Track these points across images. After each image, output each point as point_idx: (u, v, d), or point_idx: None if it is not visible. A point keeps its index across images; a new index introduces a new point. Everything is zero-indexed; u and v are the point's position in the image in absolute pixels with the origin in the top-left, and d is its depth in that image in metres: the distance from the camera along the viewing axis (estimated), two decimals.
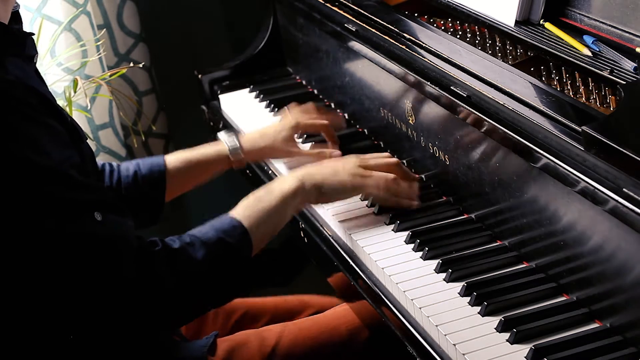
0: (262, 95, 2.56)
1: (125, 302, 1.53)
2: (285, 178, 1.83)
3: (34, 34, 1.67)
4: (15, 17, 1.64)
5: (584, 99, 1.73)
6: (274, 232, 1.77)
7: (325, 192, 1.84)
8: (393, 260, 1.77)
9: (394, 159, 1.97)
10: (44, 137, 1.48)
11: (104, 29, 2.79)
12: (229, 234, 1.68)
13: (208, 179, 2.11)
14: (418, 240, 1.80)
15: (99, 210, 1.51)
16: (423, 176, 2.03)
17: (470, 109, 1.77)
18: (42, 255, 1.47)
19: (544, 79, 1.84)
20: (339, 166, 1.88)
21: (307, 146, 2.25)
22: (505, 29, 1.97)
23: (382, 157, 1.96)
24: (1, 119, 1.44)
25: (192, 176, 2.07)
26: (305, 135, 2.28)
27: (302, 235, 2.04)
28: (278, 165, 2.24)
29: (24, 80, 1.54)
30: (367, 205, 1.96)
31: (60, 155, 1.50)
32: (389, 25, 2.12)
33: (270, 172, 2.26)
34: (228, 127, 2.51)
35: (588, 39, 1.82)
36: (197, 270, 1.61)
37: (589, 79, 1.77)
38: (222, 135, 2.12)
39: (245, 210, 1.74)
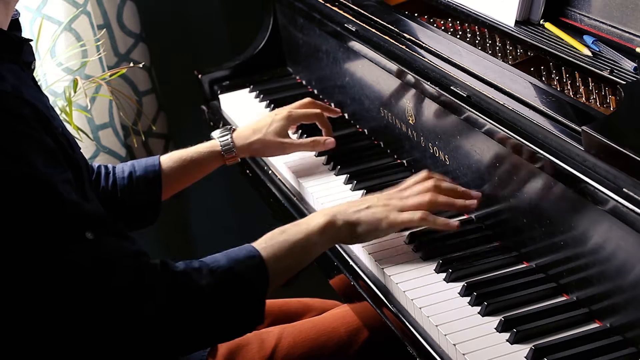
0: (262, 95, 2.56)
1: (115, 325, 1.48)
2: (317, 213, 1.74)
3: (32, 40, 1.67)
4: (15, 24, 1.64)
5: (584, 99, 1.73)
6: (296, 268, 1.67)
7: (360, 232, 1.73)
8: (393, 260, 1.77)
9: (430, 183, 1.80)
10: (33, 152, 1.45)
11: (104, 29, 2.79)
12: (242, 263, 1.59)
13: (202, 177, 2.12)
14: (418, 241, 1.80)
15: (91, 230, 1.47)
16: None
17: (470, 109, 1.77)
18: (27, 269, 1.44)
19: (544, 79, 1.84)
20: (374, 201, 1.76)
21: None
22: (505, 29, 1.97)
23: (420, 181, 1.81)
24: None
25: (187, 174, 2.08)
26: (300, 131, 2.29)
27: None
28: (278, 166, 2.24)
29: (19, 88, 1.52)
30: None
31: (50, 171, 1.47)
32: (389, 25, 2.12)
33: (270, 172, 2.26)
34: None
35: (588, 39, 1.82)
36: (198, 298, 1.53)
37: (589, 79, 1.77)
38: (215, 133, 2.13)
39: (267, 241, 1.65)
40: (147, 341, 1.51)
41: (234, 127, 2.15)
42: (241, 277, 1.58)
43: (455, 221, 1.77)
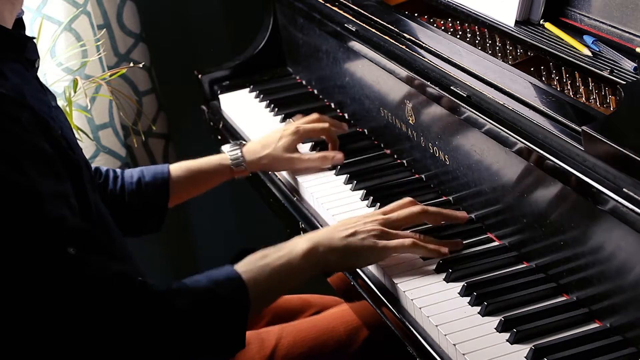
0: (262, 95, 2.56)
1: (92, 344, 1.45)
2: (299, 239, 1.69)
3: (35, 38, 1.66)
4: (19, 23, 1.64)
5: (584, 99, 1.73)
6: (278, 292, 1.66)
7: (345, 259, 1.70)
8: (393, 260, 1.77)
9: (417, 208, 1.80)
10: (27, 159, 1.44)
11: (104, 29, 2.79)
12: (222, 285, 1.55)
13: (209, 188, 2.14)
14: None
15: (74, 246, 1.44)
16: (423, 176, 2.03)
17: (470, 109, 1.77)
18: (5, 279, 1.42)
19: (544, 79, 1.84)
20: (359, 227, 1.72)
21: (307, 146, 2.25)
22: (505, 29, 1.97)
23: (405, 207, 1.80)
24: None
25: (195, 185, 2.10)
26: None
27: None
28: None
29: (21, 89, 1.52)
30: (367, 205, 1.96)
31: (41, 180, 1.45)
32: (389, 25, 2.12)
33: (270, 172, 2.26)
34: (228, 127, 2.51)
35: (588, 39, 1.82)
36: (177, 319, 1.49)
37: (589, 79, 1.77)
38: (225, 147, 2.13)
39: (247, 264, 1.61)
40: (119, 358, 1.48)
41: (243, 142, 2.15)
42: (221, 298, 1.54)
43: (445, 249, 1.74)
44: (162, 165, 2.07)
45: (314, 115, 2.21)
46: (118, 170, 2.03)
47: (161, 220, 2.05)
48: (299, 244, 1.66)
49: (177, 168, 2.06)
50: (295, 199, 2.13)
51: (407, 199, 1.82)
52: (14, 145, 1.44)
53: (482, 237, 1.80)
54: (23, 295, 1.43)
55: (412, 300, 1.65)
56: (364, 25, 2.18)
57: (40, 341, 1.46)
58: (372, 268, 1.80)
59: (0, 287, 1.43)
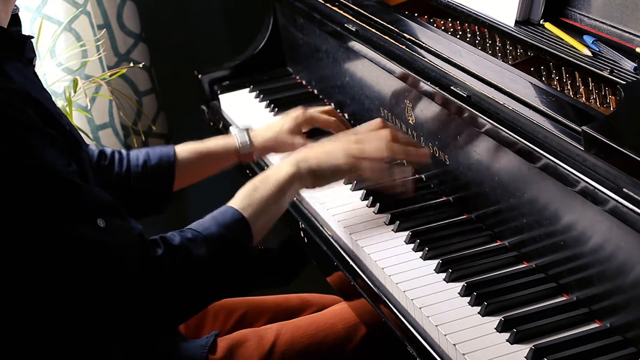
0: (262, 95, 2.56)
1: (128, 304, 1.53)
2: (281, 165, 1.80)
3: (33, 37, 1.67)
4: (15, 19, 1.64)
5: (584, 99, 1.73)
6: (273, 221, 1.76)
7: (321, 176, 1.82)
8: (393, 260, 1.77)
9: (386, 132, 1.88)
10: (40, 144, 1.47)
11: (104, 29, 2.80)
12: (231, 228, 1.67)
13: (217, 172, 2.12)
14: (418, 240, 1.80)
15: (102, 217, 1.51)
16: (423, 176, 2.03)
17: (470, 109, 1.77)
18: (42, 259, 1.47)
19: (544, 79, 1.84)
20: (333, 147, 1.84)
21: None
22: (505, 29, 1.97)
23: (375, 129, 1.90)
24: None
25: (201, 168, 2.08)
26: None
27: (302, 235, 2.04)
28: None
29: (24, 85, 1.53)
30: (367, 205, 1.96)
31: (58, 162, 1.49)
32: (389, 25, 2.12)
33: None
34: (228, 127, 2.51)
35: (588, 39, 1.82)
36: (198, 268, 1.61)
37: (589, 79, 1.77)
38: (233, 129, 2.13)
39: (243, 199, 1.72)
40: (155, 312, 1.58)
41: (249, 127, 2.14)
42: (233, 243, 1.66)
43: (408, 181, 1.91)
44: (167, 147, 2.05)
45: (326, 107, 2.20)
46: (124, 152, 2.02)
47: (167, 203, 2.06)
48: (282, 169, 1.79)
49: (184, 150, 2.05)
50: (294, 198, 2.13)
51: (378, 120, 1.92)
52: (24, 132, 1.46)
53: (482, 237, 1.80)
54: (60, 268, 1.48)
55: (412, 300, 1.65)
56: (364, 25, 2.18)
57: (78, 303, 1.53)
58: (372, 267, 1.80)
59: (35, 265, 1.48)
